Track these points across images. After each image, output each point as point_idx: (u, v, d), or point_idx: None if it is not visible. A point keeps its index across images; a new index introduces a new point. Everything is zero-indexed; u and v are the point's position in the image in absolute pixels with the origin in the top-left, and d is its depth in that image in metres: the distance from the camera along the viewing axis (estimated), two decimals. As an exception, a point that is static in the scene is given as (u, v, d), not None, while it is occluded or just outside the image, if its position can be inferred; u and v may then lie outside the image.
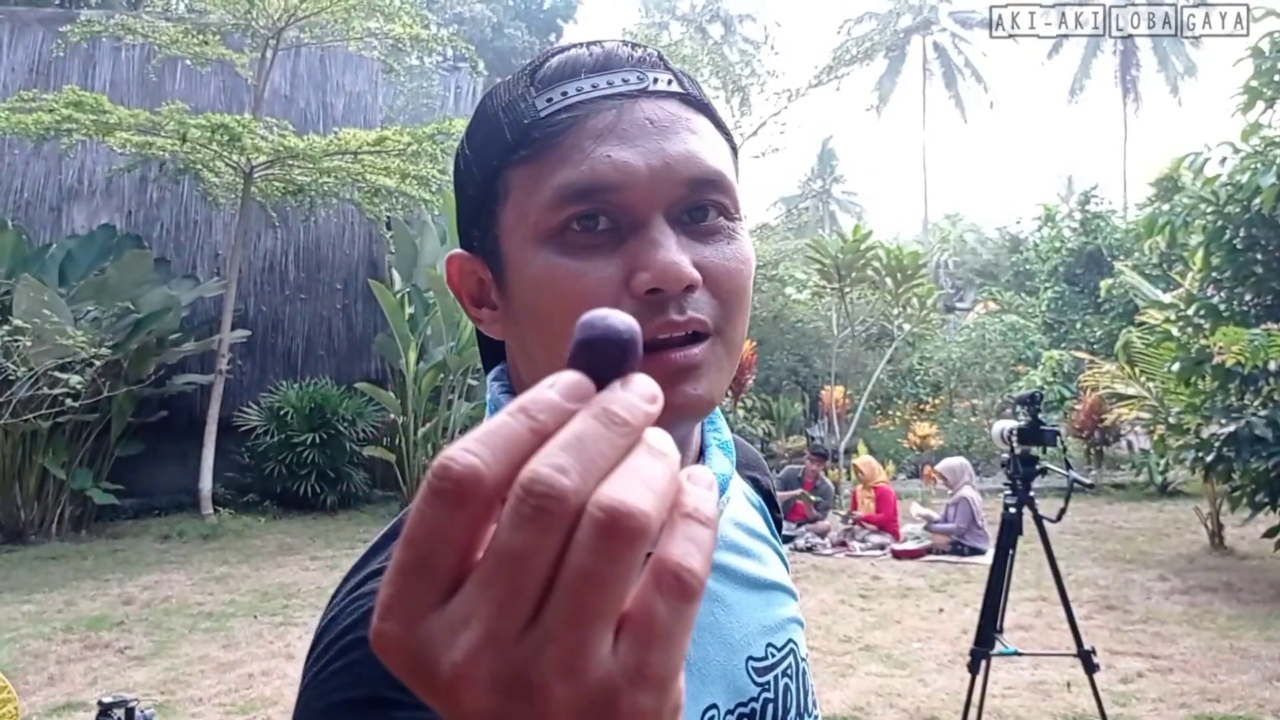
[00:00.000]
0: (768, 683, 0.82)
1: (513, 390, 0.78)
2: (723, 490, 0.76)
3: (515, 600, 0.31)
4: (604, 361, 0.35)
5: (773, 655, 0.83)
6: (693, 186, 0.69)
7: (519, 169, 0.70)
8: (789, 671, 0.84)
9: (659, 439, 0.33)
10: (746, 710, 0.79)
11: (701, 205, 0.70)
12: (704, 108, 0.74)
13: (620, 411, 0.33)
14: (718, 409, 0.78)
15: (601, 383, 0.34)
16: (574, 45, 0.73)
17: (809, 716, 0.87)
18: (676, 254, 0.66)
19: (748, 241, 0.73)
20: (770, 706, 0.81)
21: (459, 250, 0.77)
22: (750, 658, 0.81)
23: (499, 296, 0.74)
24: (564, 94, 0.69)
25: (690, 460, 0.76)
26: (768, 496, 0.99)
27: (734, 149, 0.77)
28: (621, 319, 0.35)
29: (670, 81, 0.72)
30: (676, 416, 0.68)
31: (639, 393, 0.34)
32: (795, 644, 0.87)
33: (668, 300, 0.67)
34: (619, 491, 0.31)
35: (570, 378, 0.34)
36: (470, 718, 0.32)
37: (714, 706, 0.76)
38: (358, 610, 0.65)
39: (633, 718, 0.32)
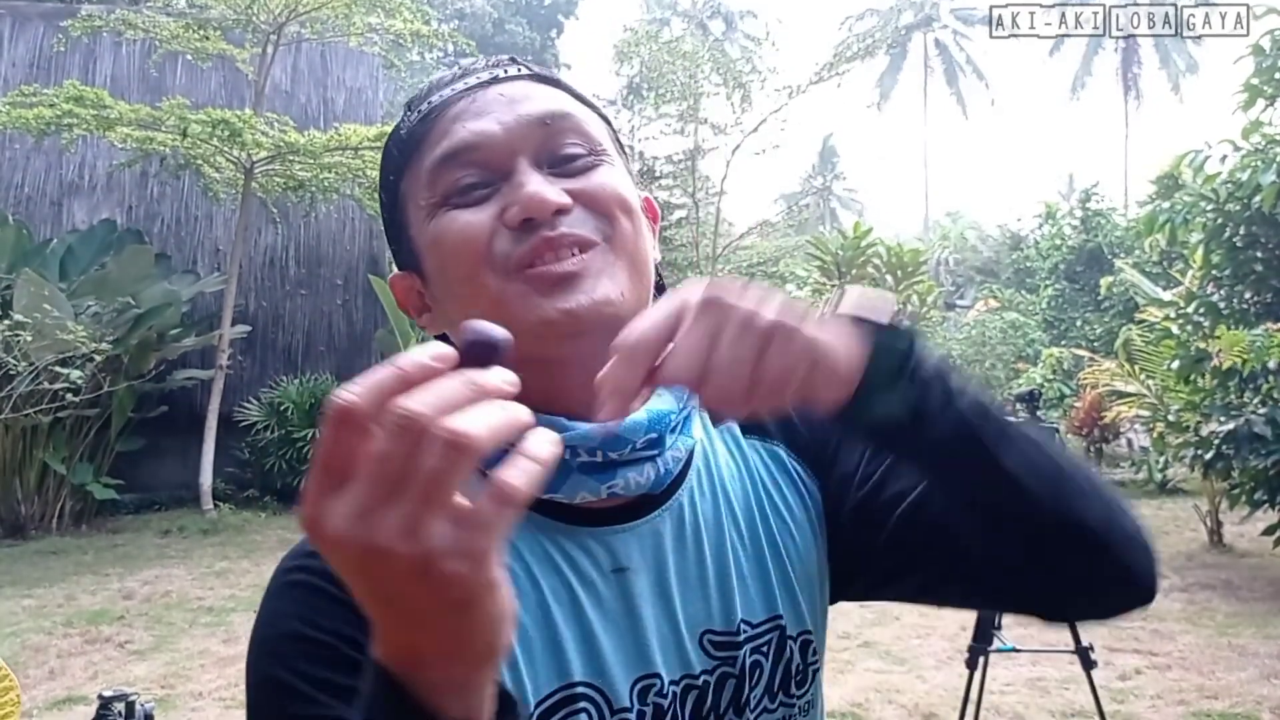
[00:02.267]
0: (730, 658, 0.81)
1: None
2: (660, 423, 0.78)
3: (378, 486, 0.46)
4: (479, 357, 0.50)
5: (745, 631, 0.82)
6: (544, 124, 0.77)
7: (407, 174, 0.80)
8: (764, 649, 0.83)
9: (515, 407, 0.49)
10: (697, 683, 0.79)
11: (561, 146, 0.77)
12: (556, 83, 0.82)
13: (475, 379, 0.48)
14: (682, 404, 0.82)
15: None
16: (435, 75, 0.85)
17: (786, 695, 0.84)
18: (541, 185, 0.74)
19: (621, 172, 0.80)
20: (730, 681, 0.81)
21: (396, 273, 0.85)
22: (708, 631, 0.81)
23: (426, 291, 0.82)
24: (429, 103, 0.80)
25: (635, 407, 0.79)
26: (805, 436, 0.91)
27: (601, 115, 0.84)
28: (493, 328, 0.52)
29: (520, 71, 0.81)
30: (579, 325, 0.74)
31: (498, 373, 0.50)
32: (785, 622, 0.84)
33: (540, 225, 0.74)
34: (460, 421, 0.46)
35: (439, 346, 0.49)
36: (343, 568, 0.49)
37: (655, 676, 0.78)
38: (295, 554, 0.76)
39: (453, 577, 0.46)
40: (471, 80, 0.79)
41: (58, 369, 9.65)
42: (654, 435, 0.77)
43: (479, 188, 0.76)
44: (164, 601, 7.57)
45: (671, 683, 0.78)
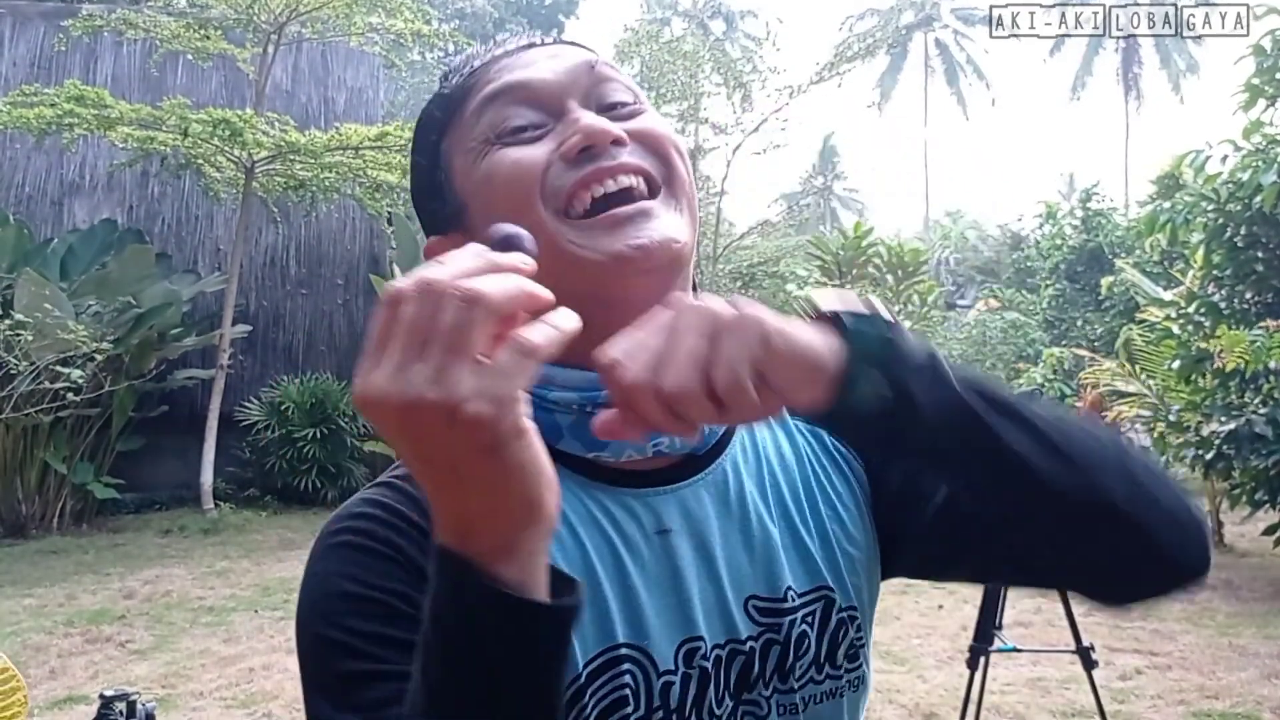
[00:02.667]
0: (775, 624, 0.81)
1: None
2: None
3: (408, 346, 0.51)
4: (502, 245, 0.57)
5: (792, 599, 0.82)
6: (592, 71, 0.80)
7: (452, 130, 0.81)
8: (809, 619, 0.82)
9: (531, 284, 0.54)
10: (743, 649, 0.79)
11: (608, 93, 0.80)
12: (590, 50, 0.84)
13: (489, 254, 0.55)
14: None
15: None
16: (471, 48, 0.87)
17: (833, 669, 0.84)
18: (597, 119, 0.76)
19: (661, 116, 0.83)
20: (775, 649, 0.81)
21: (433, 238, 0.84)
22: (753, 596, 0.81)
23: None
24: (470, 66, 0.82)
25: None
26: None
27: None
28: (518, 229, 0.59)
29: (556, 40, 0.85)
30: (651, 259, 0.75)
31: (515, 255, 0.56)
32: (833, 594, 0.84)
33: (599, 155, 0.75)
34: (475, 281, 0.52)
35: (477, 245, 0.56)
36: (390, 430, 0.53)
37: (699, 639, 0.78)
38: (340, 516, 0.77)
39: (478, 418, 0.51)
40: (510, 45, 0.83)
41: (58, 368, 9.65)
42: None
43: (530, 129, 0.77)
44: (165, 601, 7.57)
45: (715, 646, 0.78)
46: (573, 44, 0.84)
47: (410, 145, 0.87)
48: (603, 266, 0.74)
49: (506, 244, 0.57)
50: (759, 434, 0.88)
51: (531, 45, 0.82)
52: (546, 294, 0.54)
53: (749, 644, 0.80)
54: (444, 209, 0.82)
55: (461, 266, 0.53)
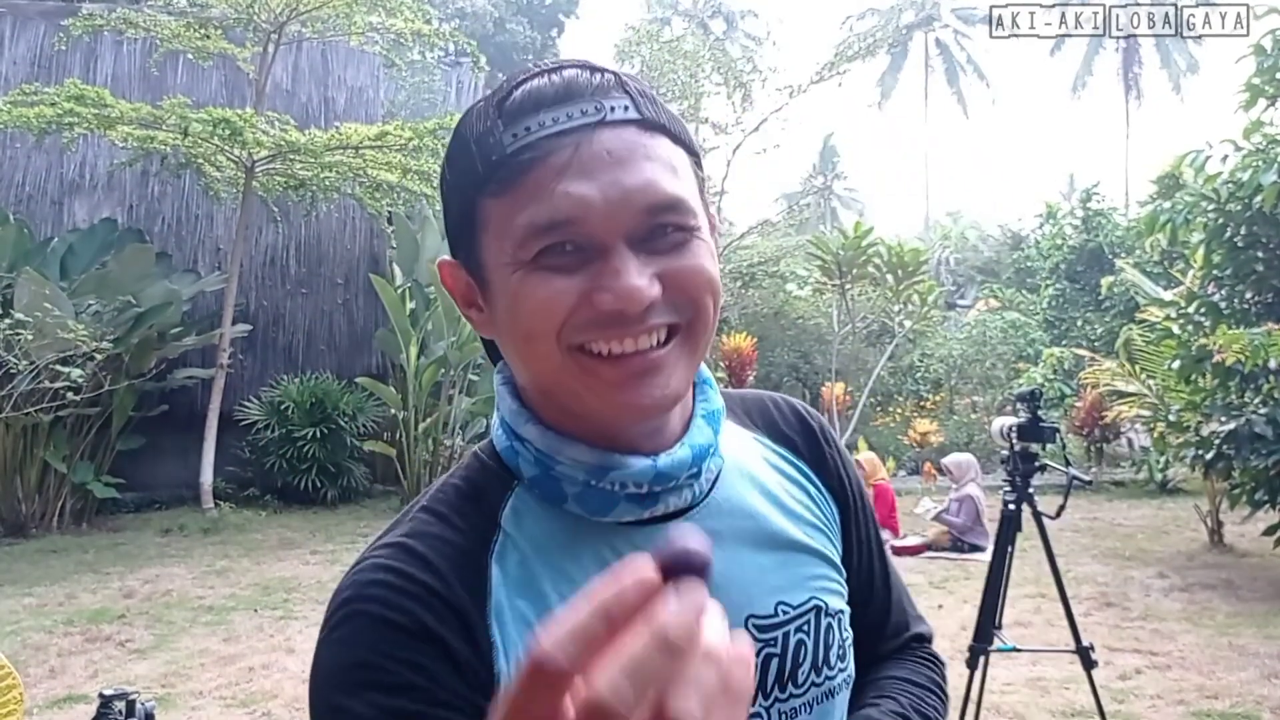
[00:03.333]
0: (773, 639, 0.85)
1: (514, 385, 0.86)
2: (701, 457, 0.83)
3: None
4: (680, 575, 0.44)
5: (784, 613, 0.86)
6: (650, 213, 0.75)
7: (492, 202, 0.77)
8: (804, 628, 0.87)
9: (713, 636, 0.42)
10: None
11: (659, 227, 0.75)
12: (661, 129, 0.78)
13: (673, 635, 0.40)
14: (710, 377, 0.89)
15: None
16: (537, 73, 0.78)
17: (830, 669, 0.89)
18: (636, 278, 0.73)
19: (705, 248, 0.79)
20: (775, 661, 0.85)
21: (448, 258, 0.85)
22: (752, 615, 0.85)
23: (485, 304, 0.82)
24: (527, 129, 0.75)
25: (678, 429, 0.84)
26: (810, 441, 1.00)
27: (695, 156, 0.82)
28: (696, 541, 0.45)
29: (627, 108, 0.76)
30: (643, 415, 0.78)
31: (691, 605, 0.42)
32: (821, 601, 0.89)
33: (628, 319, 0.74)
34: (680, 705, 0.40)
35: (642, 566, 0.43)
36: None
37: None
38: (354, 584, 0.76)
39: None
40: (577, 114, 0.75)
41: (58, 368, 9.66)
42: (694, 470, 0.83)
43: (570, 253, 0.75)
44: (164, 600, 7.58)
45: None
46: (645, 123, 0.77)
47: (445, 162, 0.83)
48: (602, 409, 0.78)
49: (684, 569, 0.44)
50: (742, 454, 0.93)
51: (602, 122, 0.75)
52: (728, 643, 0.43)
53: None
54: (467, 251, 0.82)
55: (645, 674, 0.39)
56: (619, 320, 0.74)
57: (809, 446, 0.99)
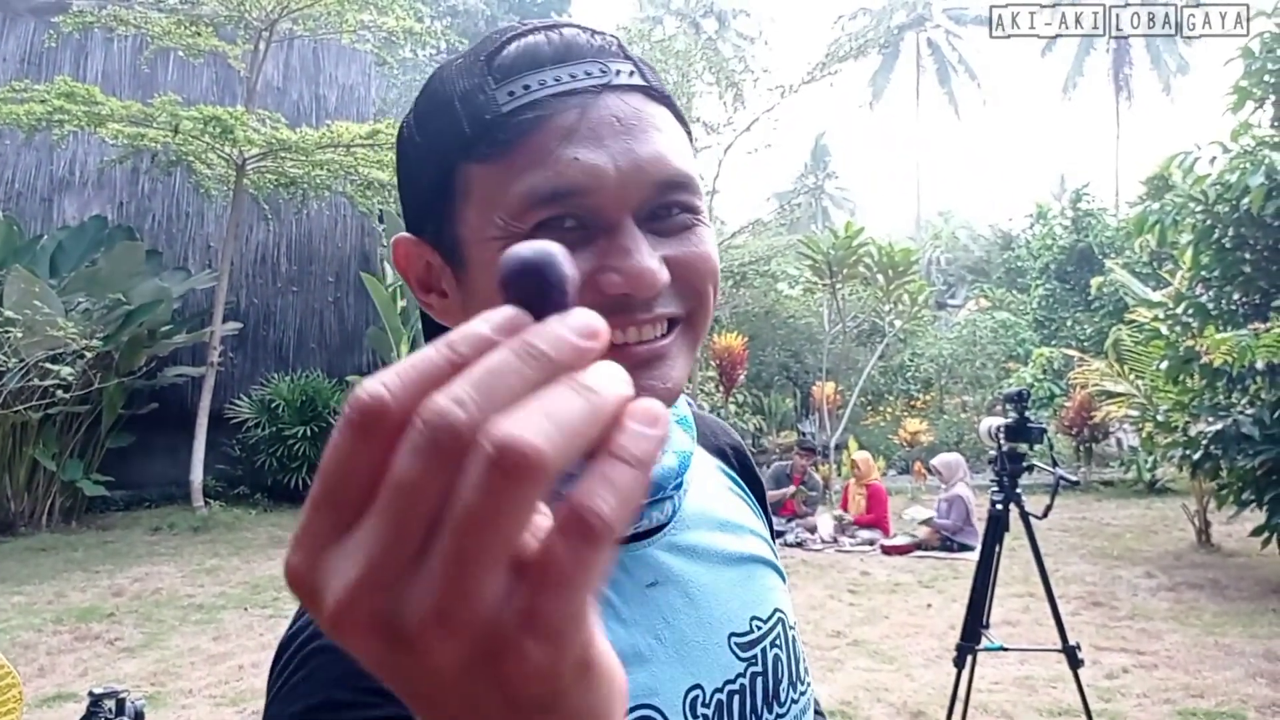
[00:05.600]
0: (754, 656, 0.81)
1: None
2: (685, 466, 0.79)
3: (400, 536, 0.30)
4: (534, 294, 0.33)
5: (758, 628, 0.83)
6: (661, 189, 0.68)
7: (479, 168, 0.67)
8: (777, 642, 0.84)
9: (596, 374, 0.31)
10: (735, 687, 0.79)
11: (667, 205, 0.69)
12: (665, 99, 0.72)
13: (539, 344, 0.31)
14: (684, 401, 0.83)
15: (539, 318, 0.32)
16: (530, 30, 0.70)
17: (802, 684, 0.86)
18: (648, 260, 0.66)
19: (710, 233, 0.73)
20: (760, 680, 0.81)
21: (406, 234, 0.74)
22: (733, 634, 0.81)
23: (455, 287, 0.72)
24: (526, 87, 0.67)
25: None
26: (741, 460, 0.98)
27: (690, 136, 0.76)
28: (545, 248, 0.34)
29: (633, 73, 0.70)
30: None
31: (571, 326, 0.32)
32: (783, 613, 0.87)
33: (635, 305, 0.67)
34: (514, 425, 0.29)
35: (504, 311, 0.33)
36: (358, 656, 0.31)
37: (698, 688, 0.76)
38: (309, 623, 0.65)
39: (522, 667, 0.30)
40: (581, 75, 0.68)
41: (48, 365, 9.64)
42: (679, 480, 0.79)
43: (571, 229, 0.66)
44: (154, 599, 7.56)
45: (715, 691, 0.78)
46: (650, 91, 0.71)
47: (412, 125, 0.73)
48: None
49: (540, 290, 0.33)
50: (698, 472, 0.88)
51: (607, 86, 0.68)
52: (621, 388, 0.32)
53: (739, 681, 0.80)
54: (436, 226, 0.72)
55: (489, 374, 0.30)
56: (624, 306, 0.66)
57: (739, 458, 0.98)
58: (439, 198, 0.70)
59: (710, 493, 0.89)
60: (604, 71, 0.68)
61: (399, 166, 0.75)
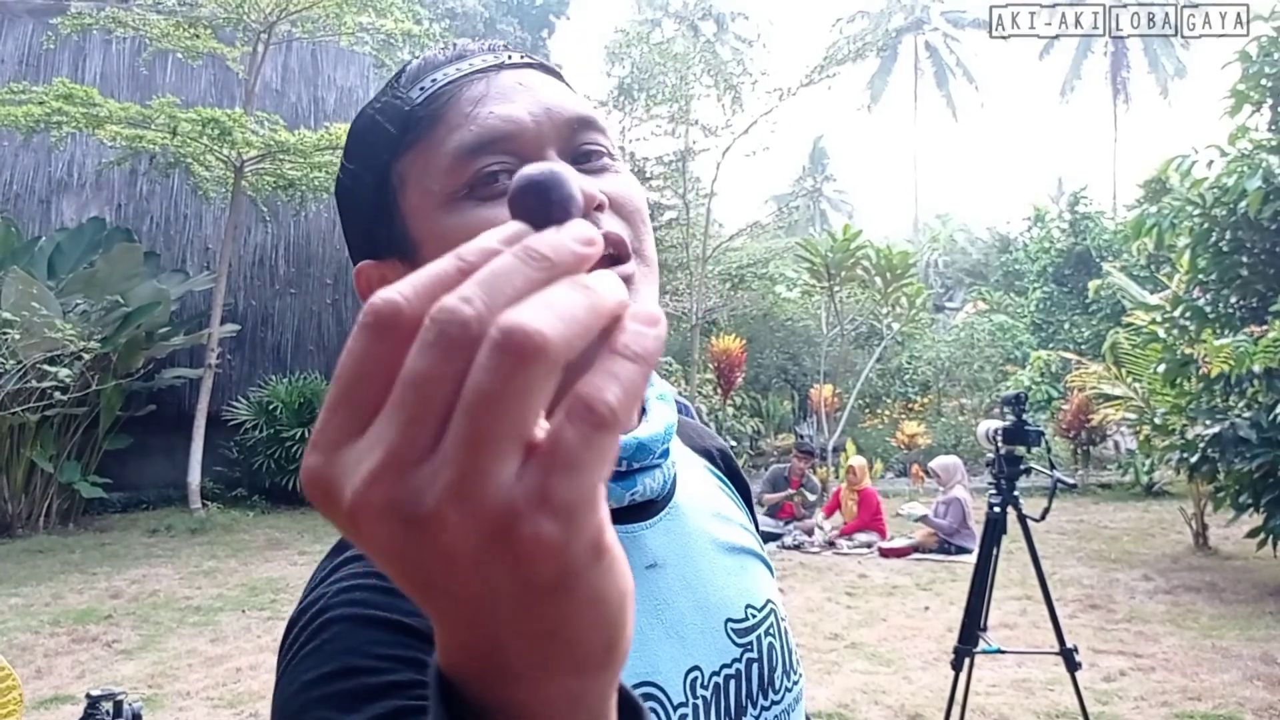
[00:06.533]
0: (750, 643, 0.83)
1: None
2: (670, 433, 0.80)
3: (415, 425, 0.31)
4: (537, 211, 0.36)
5: (753, 616, 0.84)
6: (575, 126, 0.73)
7: (410, 154, 0.72)
8: (771, 631, 0.86)
9: (596, 278, 0.33)
10: (731, 671, 0.81)
11: (586, 147, 0.74)
12: (558, 75, 0.78)
13: (541, 247, 0.33)
14: (659, 381, 0.84)
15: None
16: (428, 53, 0.77)
17: (794, 674, 0.88)
18: (580, 177, 0.64)
19: (628, 173, 0.77)
20: (755, 666, 0.83)
21: (365, 261, 0.76)
22: (729, 619, 0.82)
23: None
24: (433, 80, 0.73)
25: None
26: (727, 462, 1.00)
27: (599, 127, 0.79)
28: (550, 167, 0.38)
29: (524, 58, 0.77)
30: None
31: (570, 233, 0.34)
32: (774, 604, 0.88)
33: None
34: (520, 314, 0.30)
35: (511, 225, 0.35)
36: (375, 550, 0.32)
37: (696, 669, 0.78)
38: (325, 594, 0.65)
39: (535, 545, 0.31)
40: (478, 63, 0.74)
41: (46, 367, 9.63)
42: (665, 447, 0.80)
43: (504, 175, 0.69)
44: (151, 600, 7.56)
45: (713, 673, 0.79)
46: (544, 68, 0.78)
47: (343, 167, 0.78)
48: None
49: (544, 204, 0.36)
50: (680, 456, 0.88)
51: (502, 66, 0.74)
52: (618, 293, 0.33)
53: (735, 665, 0.81)
54: (387, 234, 0.74)
55: (494, 275, 0.32)
56: None
57: (724, 460, 0.99)
58: (381, 205, 0.74)
59: (702, 484, 0.91)
60: (496, 57, 0.75)
61: (342, 217, 0.79)
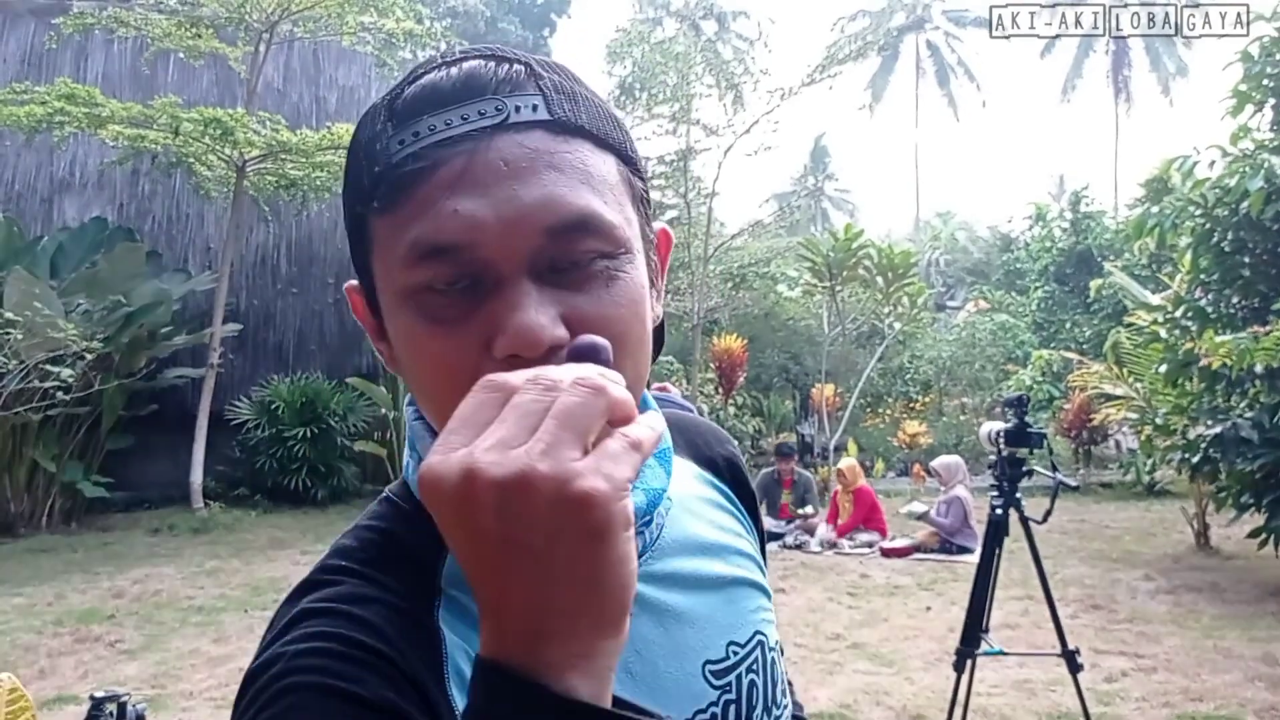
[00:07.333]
0: (728, 684, 0.80)
1: (424, 419, 0.77)
2: (655, 502, 0.71)
3: (518, 425, 0.48)
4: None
5: (735, 654, 0.81)
6: (552, 235, 0.63)
7: (378, 219, 0.67)
8: (754, 667, 0.83)
9: (617, 387, 0.51)
10: (706, 716, 0.78)
11: (572, 252, 0.64)
12: (579, 131, 0.67)
13: (555, 376, 0.50)
14: (651, 399, 0.78)
15: None
16: (437, 65, 0.68)
17: (777, 708, 0.85)
18: (534, 315, 0.61)
19: (635, 275, 0.68)
20: (732, 708, 0.80)
21: (354, 282, 0.74)
22: (707, 662, 0.79)
23: (383, 338, 0.72)
24: (415, 134, 0.65)
25: None
26: (734, 472, 0.96)
27: (630, 162, 0.72)
28: (596, 340, 0.59)
29: (536, 107, 0.65)
30: None
31: (584, 368, 0.52)
32: (763, 635, 0.85)
33: (531, 364, 0.58)
34: (593, 373, 0.50)
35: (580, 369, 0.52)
36: (470, 518, 0.47)
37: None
38: (284, 654, 0.61)
39: (591, 495, 0.46)
40: (474, 116, 0.64)
41: (48, 367, 9.64)
42: (647, 518, 0.75)
43: (463, 288, 0.63)
44: (154, 600, 7.57)
45: None
46: (557, 125, 0.66)
47: (348, 153, 0.72)
48: None
49: (593, 358, 0.56)
50: (678, 484, 0.83)
51: (502, 126, 0.64)
52: (628, 397, 0.51)
53: (711, 709, 0.79)
54: (363, 271, 0.72)
55: (574, 368, 0.51)
56: (518, 364, 0.59)
57: (730, 469, 0.95)
58: (359, 248, 0.71)
59: (693, 516, 0.87)
60: (500, 110, 0.64)
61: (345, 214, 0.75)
